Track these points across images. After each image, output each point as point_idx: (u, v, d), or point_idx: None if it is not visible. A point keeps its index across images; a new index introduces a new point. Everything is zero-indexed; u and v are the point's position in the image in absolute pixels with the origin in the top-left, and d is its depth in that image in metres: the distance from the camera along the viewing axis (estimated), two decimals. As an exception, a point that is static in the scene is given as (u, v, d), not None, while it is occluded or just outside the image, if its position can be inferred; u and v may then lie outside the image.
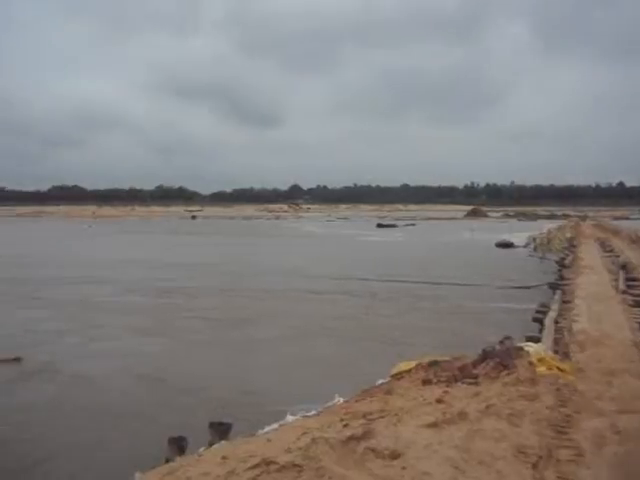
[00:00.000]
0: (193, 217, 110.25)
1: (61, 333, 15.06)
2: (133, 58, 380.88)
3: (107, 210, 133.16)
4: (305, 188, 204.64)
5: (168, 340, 14.53)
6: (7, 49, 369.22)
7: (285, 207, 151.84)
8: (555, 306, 12.79)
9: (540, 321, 11.92)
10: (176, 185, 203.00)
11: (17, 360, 12.09)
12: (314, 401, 7.17)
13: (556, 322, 10.55)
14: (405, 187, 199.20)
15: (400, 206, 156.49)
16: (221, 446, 5.38)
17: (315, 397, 8.48)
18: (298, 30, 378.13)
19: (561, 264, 23.40)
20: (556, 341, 8.73)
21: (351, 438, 4.36)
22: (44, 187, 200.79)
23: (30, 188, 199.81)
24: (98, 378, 11.10)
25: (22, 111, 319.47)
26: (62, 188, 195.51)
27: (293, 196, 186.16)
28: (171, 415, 9.05)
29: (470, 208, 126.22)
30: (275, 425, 5.72)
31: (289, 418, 5.93)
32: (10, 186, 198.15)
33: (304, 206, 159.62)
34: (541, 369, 6.37)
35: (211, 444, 5.92)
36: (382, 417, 5.12)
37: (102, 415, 9.13)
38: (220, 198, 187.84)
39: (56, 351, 13.05)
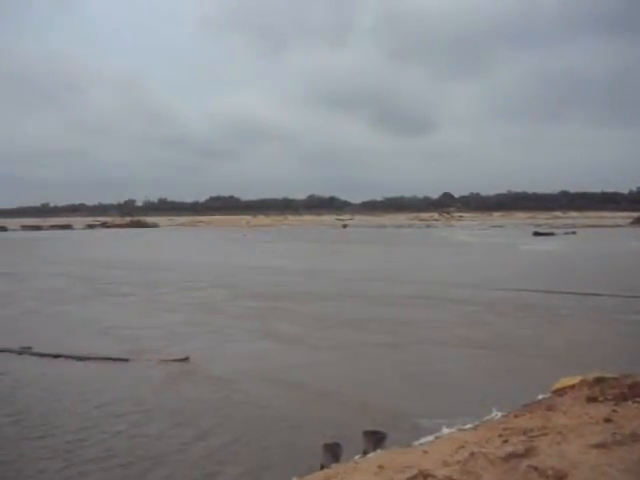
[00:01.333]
0: (344, 226, 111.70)
1: (198, 334, 15.94)
2: (285, 70, 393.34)
3: (261, 219, 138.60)
4: (457, 196, 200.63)
5: (294, 344, 14.84)
6: (165, 66, 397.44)
7: (436, 215, 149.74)
8: None
9: None
10: (327, 194, 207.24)
11: (185, 360, 12.85)
12: (469, 414, 6.99)
13: None
14: (564, 193, 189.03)
15: (558, 213, 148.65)
16: (377, 455, 5.37)
17: (460, 409, 8.33)
18: (449, 35, 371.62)
19: None
20: None
21: (512, 455, 4.20)
22: (202, 198, 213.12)
23: (189, 199, 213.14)
24: (241, 381, 11.45)
25: (181, 125, 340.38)
26: (218, 199, 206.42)
27: (444, 204, 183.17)
28: (317, 421, 9.15)
29: (637, 215, 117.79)
30: (430, 437, 5.64)
31: (445, 430, 5.83)
32: (171, 197, 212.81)
33: (456, 214, 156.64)
34: None
35: (365, 452, 5.94)
36: (544, 434, 4.88)
37: (254, 418, 9.38)
38: (371, 207, 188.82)
39: (197, 352, 13.59)
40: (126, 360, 12.81)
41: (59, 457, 7.81)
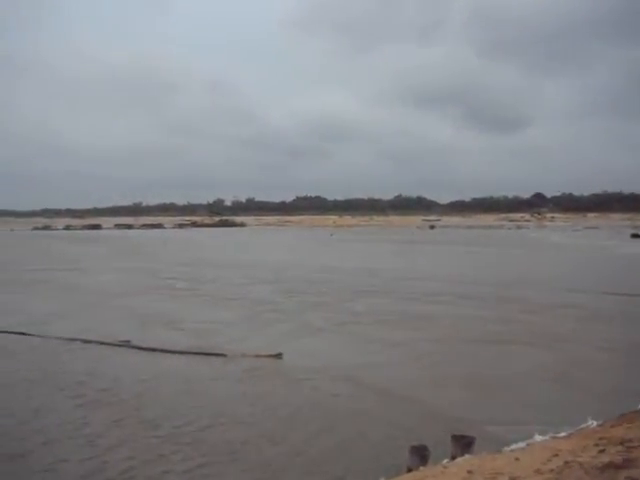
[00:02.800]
0: (431, 227, 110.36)
1: (265, 329, 16.50)
2: (371, 68, 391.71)
3: (347, 220, 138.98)
4: (549, 196, 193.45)
5: (352, 342, 15.06)
6: (253, 66, 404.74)
7: (527, 216, 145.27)
8: None
9: None
10: (414, 194, 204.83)
11: (279, 356, 13.08)
12: (561, 422, 6.77)
13: None
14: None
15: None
16: (466, 460, 5.29)
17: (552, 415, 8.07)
18: (542, 29, 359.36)
19: None
20: None
21: (609, 465, 4.05)
22: (289, 197, 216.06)
23: (276, 199, 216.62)
24: (322, 379, 11.53)
25: (269, 125, 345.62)
26: (305, 198, 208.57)
27: (535, 204, 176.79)
28: (401, 423, 9.04)
29: None
30: (522, 444, 5.49)
31: (537, 437, 5.66)
32: (259, 197, 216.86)
33: (548, 215, 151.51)
34: None
35: (453, 457, 5.85)
36: (644, 446, 4.68)
37: (341, 419, 9.38)
38: (459, 207, 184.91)
39: (277, 348, 13.70)
40: (224, 355, 13.18)
41: (190, 453, 8.00)
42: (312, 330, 16.32)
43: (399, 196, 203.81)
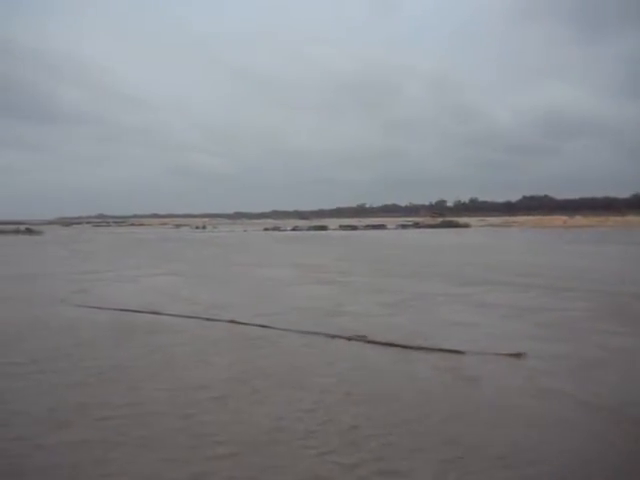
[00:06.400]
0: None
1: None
2: (603, 57, 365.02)
3: (578, 220, 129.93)
4: None
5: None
6: (474, 60, 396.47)
7: None
8: None
9: None
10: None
11: (520, 356, 11.97)
12: None
13: None
14: None
15: None
16: None
17: None
18: None
19: None
20: None
21: None
22: (514, 197, 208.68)
23: (500, 198, 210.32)
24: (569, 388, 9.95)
25: (491, 121, 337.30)
26: (532, 198, 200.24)
27: None
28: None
29: None
30: None
31: None
32: (482, 197, 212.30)
33: None
34: None
35: None
36: None
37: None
38: None
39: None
40: (462, 353, 12.32)
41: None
42: (555, 332, 14.75)
43: (638, 194, 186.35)
